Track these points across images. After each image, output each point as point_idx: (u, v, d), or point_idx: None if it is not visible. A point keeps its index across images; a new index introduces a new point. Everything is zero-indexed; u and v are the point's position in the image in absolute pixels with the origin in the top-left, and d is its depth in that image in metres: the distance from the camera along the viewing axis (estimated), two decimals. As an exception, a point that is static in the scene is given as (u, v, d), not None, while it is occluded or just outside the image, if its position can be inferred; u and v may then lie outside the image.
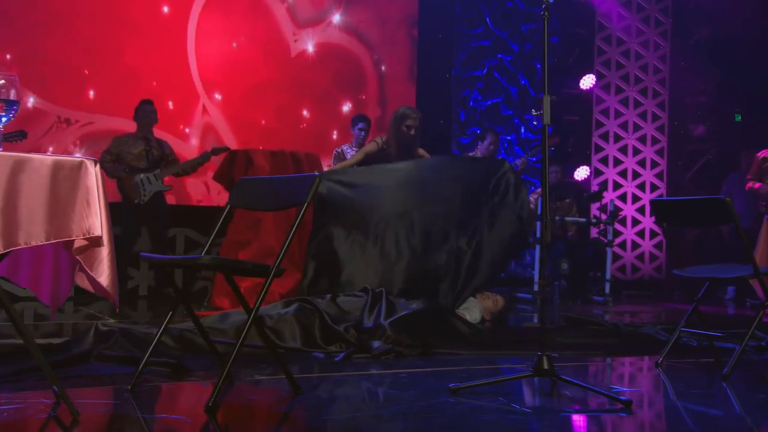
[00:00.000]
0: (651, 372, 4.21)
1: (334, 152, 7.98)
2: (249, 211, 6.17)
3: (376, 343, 4.29)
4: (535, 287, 8.34)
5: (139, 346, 3.90)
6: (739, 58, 9.90)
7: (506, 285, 9.31)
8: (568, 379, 3.38)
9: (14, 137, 6.70)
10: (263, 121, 8.78)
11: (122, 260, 7.25)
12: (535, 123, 8.06)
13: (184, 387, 3.41)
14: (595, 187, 10.15)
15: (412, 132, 5.98)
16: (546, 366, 3.41)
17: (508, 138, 9.97)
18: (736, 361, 3.95)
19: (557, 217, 8.28)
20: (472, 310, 5.35)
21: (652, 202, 4.34)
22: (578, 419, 3.06)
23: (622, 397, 3.22)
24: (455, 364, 4.17)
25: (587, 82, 10.05)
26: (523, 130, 10.09)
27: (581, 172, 9.99)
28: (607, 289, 8.39)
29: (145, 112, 7.20)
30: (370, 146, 6.22)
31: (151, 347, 3.23)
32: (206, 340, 3.47)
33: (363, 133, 7.90)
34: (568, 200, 8.80)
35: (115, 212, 7.38)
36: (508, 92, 9.92)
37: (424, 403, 3.18)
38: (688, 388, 3.81)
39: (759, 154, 7.85)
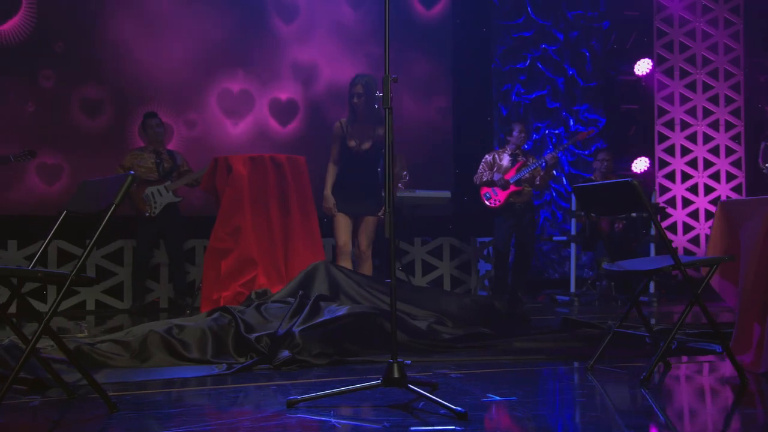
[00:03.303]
0: (572, 378, 3.78)
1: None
2: (228, 218, 6.13)
3: (285, 353, 4.09)
4: (572, 289, 7.83)
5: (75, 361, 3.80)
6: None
7: (551, 287, 8.82)
8: (414, 388, 3.07)
9: (24, 156, 6.99)
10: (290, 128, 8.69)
11: (141, 273, 7.39)
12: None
13: (12, 406, 3.27)
14: (660, 179, 9.45)
15: (355, 100, 5.93)
16: (396, 374, 3.11)
17: (557, 132, 9.43)
18: (654, 366, 3.48)
19: (593, 213, 7.70)
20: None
21: (574, 189, 3.91)
22: (390, 433, 2.74)
23: (457, 409, 2.88)
24: (363, 374, 3.90)
25: (642, 67, 9.37)
26: (572, 123, 9.53)
27: (640, 164, 9.32)
28: (652, 288, 7.74)
29: (151, 127, 7.31)
30: (336, 131, 6.16)
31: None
32: (36, 357, 3.32)
33: (382, 133, 7.69)
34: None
35: (129, 226, 7.58)
36: (554, 83, 9.39)
37: (243, 419, 2.97)
38: (586, 396, 3.38)
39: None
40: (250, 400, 3.34)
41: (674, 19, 9.70)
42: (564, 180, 9.41)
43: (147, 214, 7.19)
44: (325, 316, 4.35)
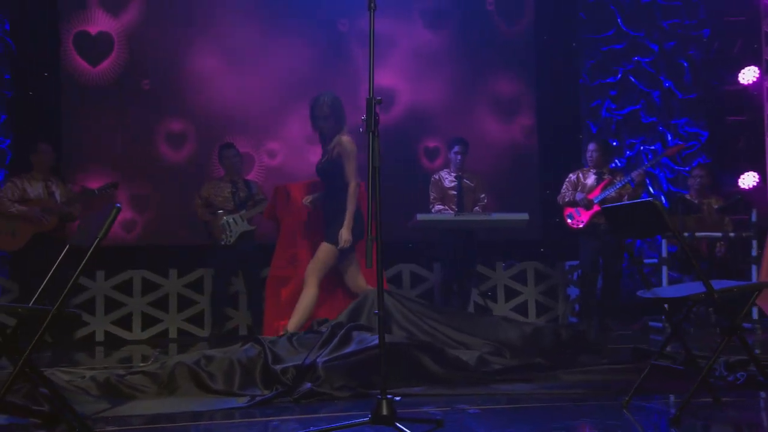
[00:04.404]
0: (599, 415, 3.44)
1: (432, 178, 7.60)
2: (287, 245, 6.10)
3: (306, 385, 3.96)
4: (664, 315, 7.28)
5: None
6: None
7: (650, 313, 8.27)
8: (401, 427, 2.87)
9: (108, 189, 7.22)
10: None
11: (219, 301, 7.46)
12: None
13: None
14: (773, 196, 8.73)
15: (321, 123, 5.64)
16: (385, 411, 2.92)
17: (652, 148, 8.90)
18: (685, 404, 3.12)
19: (686, 233, 7.19)
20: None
21: (602, 210, 3.59)
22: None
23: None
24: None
25: (748, 75, 8.72)
26: (670, 137, 8.96)
27: (748, 179, 8.64)
28: (755, 314, 7.10)
29: (227, 157, 7.42)
30: None
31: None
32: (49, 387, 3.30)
33: (459, 157, 7.47)
34: (716, 207, 7.54)
35: (208, 255, 7.65)
36: (649, 97, 8.88)
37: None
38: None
39: None
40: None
41: (786, 21, 8.99)
42: (663, 199, 8.86)
43: (222, 243, 7.26)
44: (352, 347, 4.19)
